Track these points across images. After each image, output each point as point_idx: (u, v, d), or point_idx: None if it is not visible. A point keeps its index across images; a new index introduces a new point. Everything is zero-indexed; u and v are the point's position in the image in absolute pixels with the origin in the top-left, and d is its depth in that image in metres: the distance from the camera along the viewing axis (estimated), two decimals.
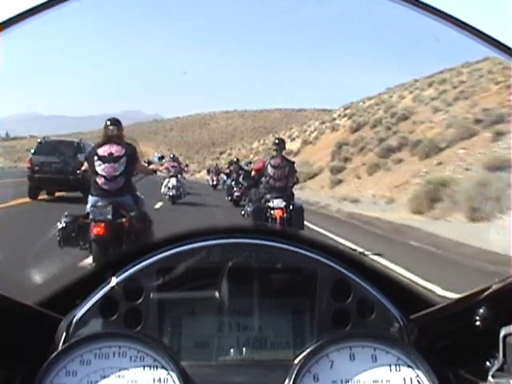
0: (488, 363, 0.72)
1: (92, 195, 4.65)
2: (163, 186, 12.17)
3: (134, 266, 0.82)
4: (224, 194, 14.88)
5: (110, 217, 4.43)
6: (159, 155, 6.82)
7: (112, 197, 4.58)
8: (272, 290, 0.83)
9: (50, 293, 0.85)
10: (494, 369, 0.69)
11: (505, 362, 0.67)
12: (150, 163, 5.92)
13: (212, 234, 0.86)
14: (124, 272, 0.82)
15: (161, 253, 0.83)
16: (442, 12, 0.73)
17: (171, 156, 12.78)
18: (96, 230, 4.38)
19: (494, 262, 5.15)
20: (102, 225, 4.39)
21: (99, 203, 4.55)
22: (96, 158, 4.62)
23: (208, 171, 23.21)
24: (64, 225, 4.49)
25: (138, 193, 5.04)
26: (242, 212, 7.33)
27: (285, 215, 6.50)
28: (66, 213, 4.63)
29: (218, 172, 19.83)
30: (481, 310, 0.73)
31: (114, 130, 4.77)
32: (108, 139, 4.75)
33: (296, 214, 6.66)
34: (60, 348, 0.73)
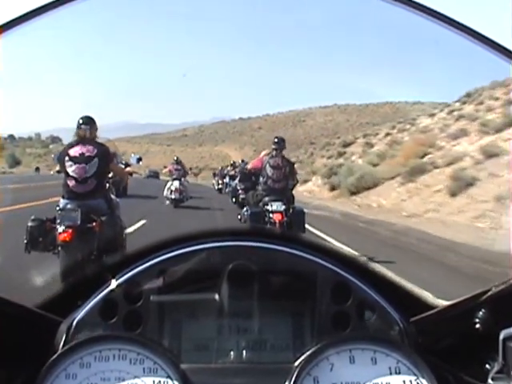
0: (488, 366, 0.72)
1: (63, 198, 4.38)
2: (165, 189, 11.98)
3: (134, 268, 0.82)
4: (229, 198, 14.74)
5: (78, 222, 4.13)
6: (137, 157, 6.62)
7: (83, 200, 4.29)
8: (272, 292, 0.83)
9: (50, 295, 0.85)
10: (493, 371, 0.69)
11: (504, 364, 0.67)
12: (127, 165, 5.65)
13: (212, 236, 0.86)
14: (124, 275, 0.82)
15: (161, 255, 0.83)
16: (441, 14, 0.73)
17: (175, 159, 12.63)
18: (63, 235, 4.09)
19: None
20: (70, 230, 4.09)
21: (68, 206, 4.27)
22: (67, 158, 4.34)
23: (214, 174, 22.70)
24: (30, 228, 4.24)
25: (112, 196, 4.77)
26: (239, 216, 6.87)
27: (285, 219, 6.14)
28: (32, 216, 4.36)
29: (223, 175, 19.28)
30: (480, 313, 0.73)
31: (87, 130, 4.47)
32: (80, 139, 4.46)
33: (296, 218, 6.28)
34: (60, 351, 0.73)
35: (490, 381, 0.69)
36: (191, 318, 0.82)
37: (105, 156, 4.44)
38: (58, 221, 4.17)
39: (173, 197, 11.70)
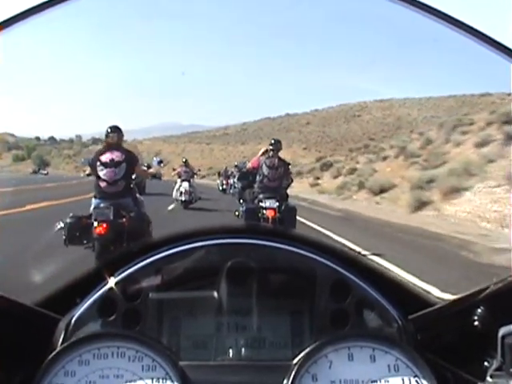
0: (486, 363, 0.72)
1: (95, 198, 4.99)
2: (174, 190, 12.02)
3: (133, 266, 0.82)
4: (234, 198, 14.65)
5: (111, 217, 4.75)
6: (158, 159, 7.00)
7: (113, 199, 4.90)
8: (271, 290, 0.83)
9: (49, 293, 0.85)
10: (492, 369, 0.69)
11: (503, 361, 0.67)
12: (149, 167, 6.24)
13: (210, 234, 0.86)
14: (122, 272, 0.82)
15: (159, 253, 0.83)
16: (441, 12, 0.73)
17: (183, 161, 12.72)
18: (98, 229, 4.70)
19: None
20: (104, 225, 4.71)
21: (101, 205, 4.87)
22: (98, 163, 4.97)
23: (218, 174, 22.45)
24: (69, 225, 4.83)
25: (137, 195, 5.37)
26: (236, 212, 7.29)
27: (277, 215, 6.54)
28: (70, 214, 4.98)
29: (227, 176, 19.14)
30: (479, 310, 0.73)
31: (114, 137, 5.13)
32: (109, 146, 5.12)
33: (288, 214, 6.68)
34: (58, 348, 0.73)
35: (488, 378, 0.69)
36: (190, 315, 0.82)
37: (131, 160, 5.12)
38: (94, 217, 4.79)
39: (183, 198, 11.76)
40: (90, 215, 4.88)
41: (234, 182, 16.04)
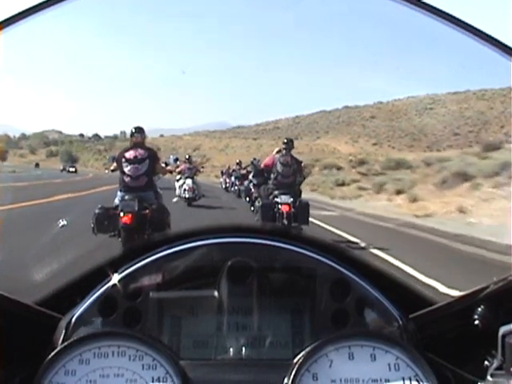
0: (487, 362, 0.72)
1: (120, 191, 5.50)
2: (177, 187, 11.90)
3: (133, 265, 0.82)
4: (235, 196, 14.65)
5: (136, 208, 5.21)
6: (174, 157, 7.22)
7: (137, 192, 5.39)
8: (271, 289, 0.83)
9: (49, 292, 0.85)
10: (492, 368, 0.69)
11: (504, 361, 0.67)
12: (166, 165, 6.56)
13: (211, 233, 0.86)
14: (123, 271, 0.82)
15: (160, 252, 0.83)
16: (442, 11, 0.73)
17: (186, 157, 12.65)
18: (124, 219, 5.15)
19: None
20: (130, 215, 5.16)
21: (126, 197, 5.36)
22: (123, 160, 5.47)
23: (221, 173, 22.33)
24: (97, 215, 5.28)
25: (158, 189, 5.83)
26: (252, 208, 7.84)
27: (292, 210, 6.83)
28: (99, 205, 5.43)
29: (229, 174, 19.06)
30: (480, 309, 0.73)
31: (138, 137, 5.64)
32: (133, 144, 5.61)
33: (302, 209, 7.00)
34: (59, 347, 0.73)
35: (489, 377, 0.69)
36: (190, 314, 0.82)
37: (153, 158, 5.58)
38: (120, 208, 5.24)
39: (186, 195, 11.63)
40: (116, 207, 5.33)
41: (234, 181, 16.02)
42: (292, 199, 6.95)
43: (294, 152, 7.57)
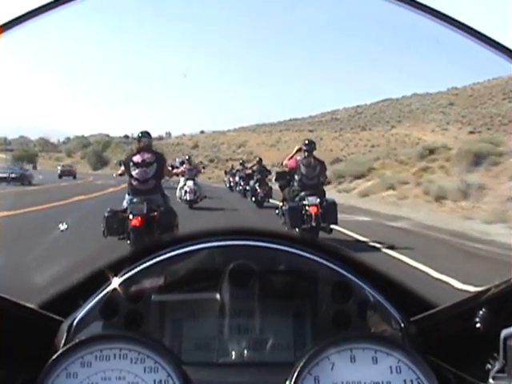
0: (489, 365, 0.72)
1: (128, 194, 5.59)
2: (178, 189, 11.53)
3: (135, 268, 0.82)
4: (240, 196, 14.59)
5: (145, 211, 5.31)
6: (180, 160, 7.24)
7: (145, 195, 5.48)
8: (273, 292, 0.83)
9: (51, 295, 0.85)
10: (494, 371, 0.69)
11: (505, 363, 0.67)
12: (173, 167, 6.70)
13: (213, 236, 0.86)
14: (125, 274, 0.82)
15: (162, 255, 0.83)
16: (443, 14, 0.73)
17: (186, 158, 12.47)
18: (134, 222, 5.26)
19: None
20: (139, 218, 5.27)
21: (134, 200, 5.46)
22: (131, 163, 5.55)
23: (225, 172, 22.19)
24: (107, 218, 5.38)
25: (165, 192, 5.94)
26: (277, 211, 7.76)
27: (320, 211, 6.85)
28: (108, 208, 5.52)
29: (233, 174, 18.90)
30: (481, 312, 0.73)
31: (146, 141, 5.71)
32: (141, 148, 5.67)
33: (330, 209, 7.04)
34: (61, 350, 0.73)
35: (490, 380, 0.69)
36: (192, 317, 0.82)
37: (161, 161, 5.68)
38: (129, 211, 5.35)
39: (187, 198, 11.31)
40: (125, 210, 5.44)
41: (238, 180, 15.94)
42: (319, 200, 6.97)
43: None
